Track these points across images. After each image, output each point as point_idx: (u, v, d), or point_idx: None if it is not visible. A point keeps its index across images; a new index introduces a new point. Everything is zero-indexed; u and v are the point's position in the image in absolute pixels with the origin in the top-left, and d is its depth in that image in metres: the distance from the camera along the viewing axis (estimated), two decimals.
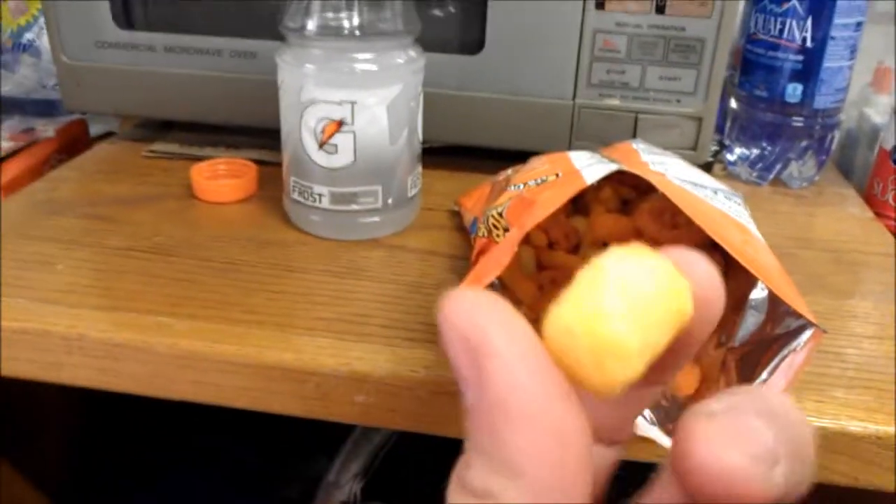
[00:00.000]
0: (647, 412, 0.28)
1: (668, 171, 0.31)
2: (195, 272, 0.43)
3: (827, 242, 0.49)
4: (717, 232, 0.26)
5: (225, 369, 0.37)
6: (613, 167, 0.29)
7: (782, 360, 0.28)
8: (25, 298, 0.39)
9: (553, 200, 0.28)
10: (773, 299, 0.30)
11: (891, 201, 0.56)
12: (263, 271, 0.43)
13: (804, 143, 0.56)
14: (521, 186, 0.33)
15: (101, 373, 0.38)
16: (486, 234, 0.32)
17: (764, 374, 0.28)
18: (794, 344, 0.28)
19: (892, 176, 0.56)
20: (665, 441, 0.28)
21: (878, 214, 0.56)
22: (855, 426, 0.33)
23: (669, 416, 0.30)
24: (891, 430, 0.32)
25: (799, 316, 0.28)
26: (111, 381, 0.38)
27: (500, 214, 0.31)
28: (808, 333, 0.27)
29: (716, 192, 0.31)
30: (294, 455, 0.71)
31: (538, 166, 0.34)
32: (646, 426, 0.28)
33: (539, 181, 0.32)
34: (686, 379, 0.32)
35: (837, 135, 0.57)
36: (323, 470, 0.64)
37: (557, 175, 0.31)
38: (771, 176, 0.57)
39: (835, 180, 0.59)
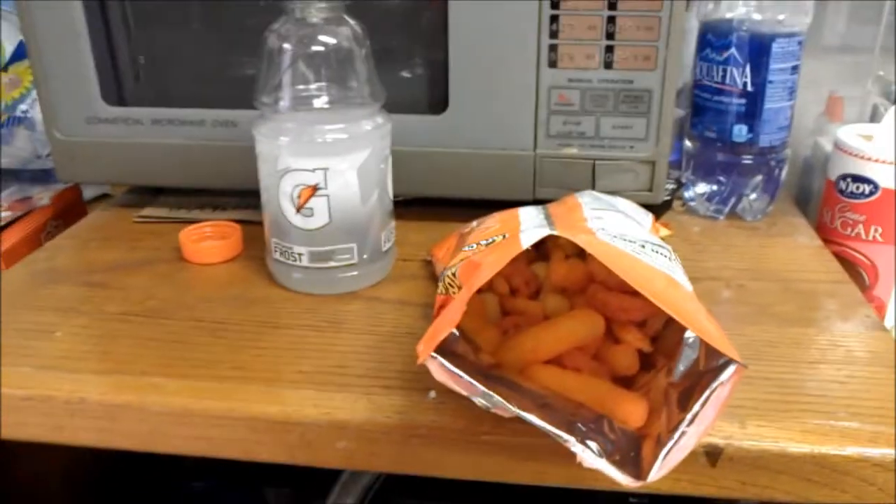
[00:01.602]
0: (593, 444, 0.31)
1: (604, 226, 0.35)
2: (186, 333, 0.46)
3: (776, 273, 0.52)
4: (637, 281, 0.29)
5: (215, 424, 0.40)
6: (546, 232, 0.33)
7: (712, 392, 0.31)
8: (29, 366, 0.42)
9: (494, 265, 0.31)
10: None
11: (839, 228, 0.60)
12: (250, 329, 0.46)
13: (755, 179, 0.59)
14: (474, 246, 0.36)
15: (101, 433, 0.41)
16: (444, 291, 0.36)
17: (696, 407, 0.31)
18: (721, 378, 0.31)
19: (839, 205, 0.59)
20: (612, 471, 0.31)
21: (828, 241, 0.59)
22: (794, 448, 0.36)
23: (618, 448, 0.33)
24: (827, 450, 0.36)
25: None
26: (110, 440, 0.41)
27: (454, 274, 0.34)
28: (731, 368, 0.31)
29: (643, 246, 0.34)
30: (288, 497, 0.73)
31: (491, 225, 0.38)
32: (592, 458, 0.31)
33: (489, 241, 0.35)
34: (634, 411, 0.35)
35: (786, 168, 0.61)
36: None
37: (504, 236, 0.35)
38: (726, 210, 0.61)
39: (788, 210, 0.63)
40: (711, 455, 0.36)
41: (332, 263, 0.48)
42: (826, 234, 0.60)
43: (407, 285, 0.51)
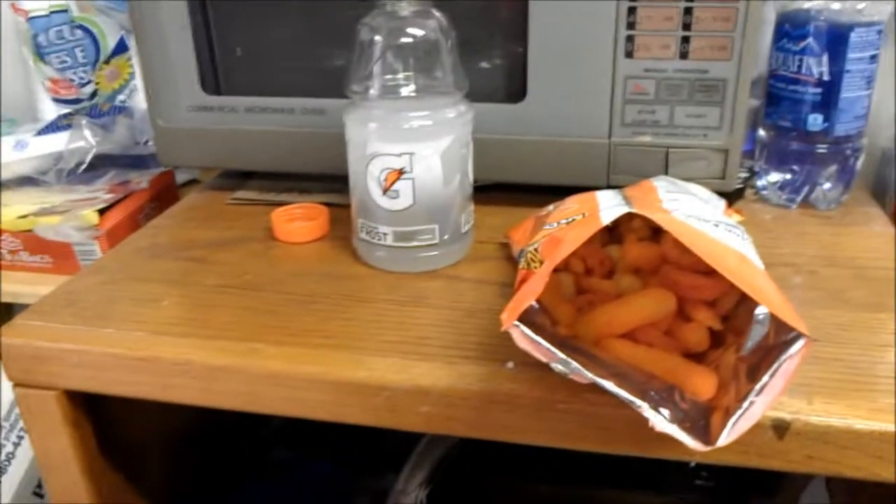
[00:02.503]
0: (664, 411, 0.33)
1: (679, 207, 0.36)
2: (279, 304, 0.49)
3: (849, 260, 0.53)
4: (710, 256, 0.31)
5: (308, 387, 0.43)
6: (625, 210, 0.35)
7: (780, 365, 0.32)
8: (142, 331, 0.46)
9: (576, 239, 0.33)
10: (775, 315, 0.34)
11: None
12: (337, 302, 0.49)
13: (829, 168, 0.60)
14: (555, 225, 0.38)
15: (204, 392, 0.45)
16: (526, 265, 0.38)
17: (765, 378, 0.33)
18: (790, 351, 0.32)
19: None
20: (682, 436, 0.33)
21: None
22: (860, 424, 0.37)
23: (688, 417, 0.35)
24: (890, 427, 0.37)
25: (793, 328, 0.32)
26: (212, 399, 0.45)
27: (536, 250, 0.37)
28: (801, 342, 0.32)
29: (717, 226, 0.36)
30: (364, 471, 0.77)
31: (570, 206, 0.40)
32: (664, 424, 0.33)
33: (569, 220, 0.37)
34: (705, 383, 0.37)
35: (862, 158, 0.61)
36: (391, 484, 0.70)
37: (583, 215, 0.37)
38: (799, 199, 0.61)
39: (862, 200, 0.63)
40: (778, 428, 0.38)
41: (415, 243, 0.51)
42: None
43: (484, 265, 0.53)
